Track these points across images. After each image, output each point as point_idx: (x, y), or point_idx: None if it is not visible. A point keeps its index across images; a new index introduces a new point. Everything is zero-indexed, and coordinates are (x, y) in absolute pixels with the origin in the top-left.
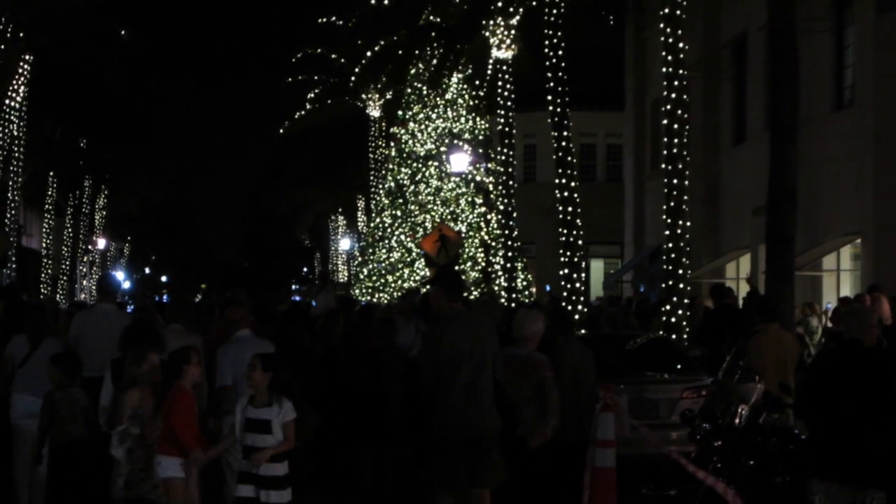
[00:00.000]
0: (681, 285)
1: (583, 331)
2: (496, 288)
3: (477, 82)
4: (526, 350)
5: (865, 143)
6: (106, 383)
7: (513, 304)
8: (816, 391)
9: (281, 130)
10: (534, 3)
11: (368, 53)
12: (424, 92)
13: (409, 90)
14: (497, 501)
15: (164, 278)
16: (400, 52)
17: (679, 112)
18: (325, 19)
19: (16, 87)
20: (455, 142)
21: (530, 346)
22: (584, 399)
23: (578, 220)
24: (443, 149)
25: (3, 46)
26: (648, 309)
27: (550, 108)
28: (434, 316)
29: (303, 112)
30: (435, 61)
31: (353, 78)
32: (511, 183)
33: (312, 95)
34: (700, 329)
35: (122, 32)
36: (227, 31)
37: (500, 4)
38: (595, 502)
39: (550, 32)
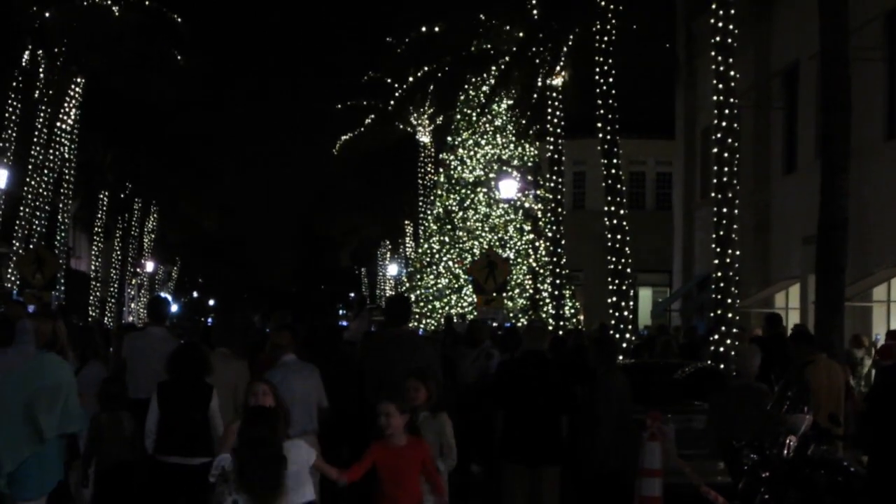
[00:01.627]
0: (729, 315)
1: (632, 359)
2: (544, 315)
3: (526, 110)
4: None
5: None
6: (152, 406)
7: (560, 332)
8: (877, 423)
9: (333, 151)
10: (585, 30)
11: (418, 78)
12: (474, 118)
13: (458, 116)
14: None
15: (211, 302)
16: (450, 78)
17: (729, 140)
18: (378, 44)
19: (67, 109)
20: (504, 168)
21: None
22: (625, 428)
23: (627, 248)
24: (492, 175)
25: (55, 69)
26: (696, 340)
27: (600, 135)
28: (385, 336)
29: (353, 134)
30: (486, 88)
31: (402, 102)
32: (560, 210)
33: (364, 120)
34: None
35: (178, 57)
36: (278, 55)
37: (551, 31)
38: None
39: (601, 59)
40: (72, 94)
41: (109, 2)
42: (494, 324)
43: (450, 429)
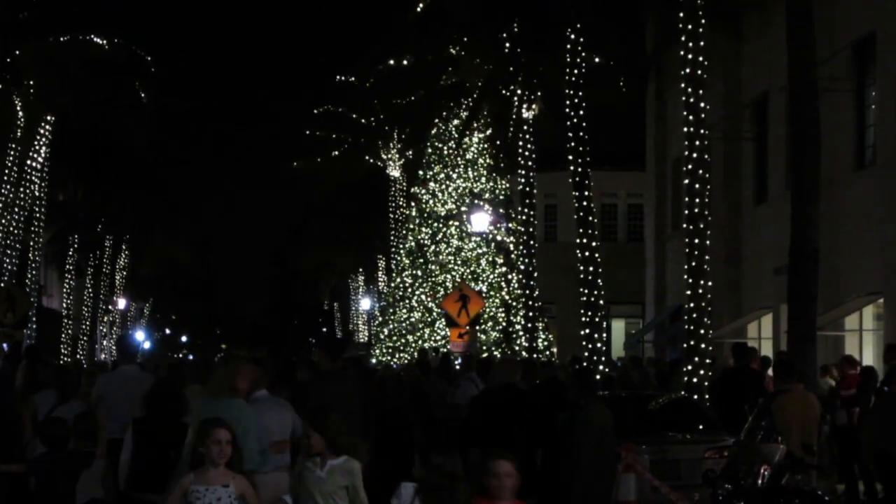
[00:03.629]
0: (702, 345)
1: (605, 392)
2: (517, 347)
3: (498, 142)
4: None
5: (887, 202)
6: (126, 442)
7: (532, 364)
8: None
9: (298, 187)
10: (554, 64)
11: (388, 112)
12: (445, 152)
13: (429, 150)
14: None
15: (184, 338)
16: (420, 111)
17: (700, 172)
18: (343, 78)
19: (37, 147)
20: (476, 201)
21: None
22: (608, 459)
23: (599, 280)
24: (463, 208)
25: (24, 107)
26: (665, 369)
27: (571, 167)
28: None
29: (319, 170)
30: (457, 122)
31: (372, 137)
32: (532, 242)
33: (332, 151)
34: (716, 387)
35: (142, 95)
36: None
37: (521, 64)
38: None
39: (571, 93)
40: (42, 132)
41: (81, 37)
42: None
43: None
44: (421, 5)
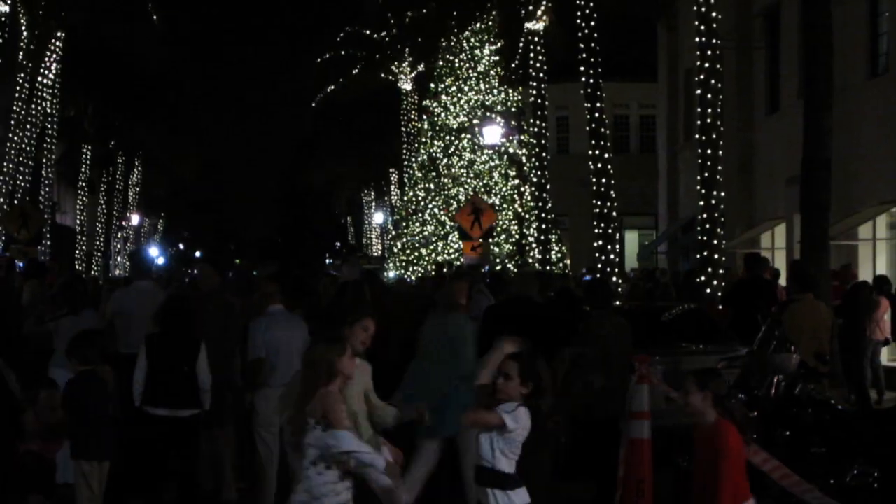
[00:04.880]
0: (716, 256)
1: (618, 303)
2: (530, 260)
3: (509, 54)
4: None
5: None
6: (140, 359)
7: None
8: None
9: (313, 104)
10: None
11: (400, 26)
12: (457, 64)
13: (440, 63)
14: (529, 478)
15: (197, 254)
16: (432, 24)
17: (712, 82)
18: None
19: (48, 64)
20: (487, 114)
21: None
22: (616, 372)
23: (612, 192)
24: (475, 121)
25: (36, 25)
26: (680, 280)
27: (583, 79)
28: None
29: (334, 87)
30: (468, 34)
31: (384, 52)
32: (544, 155)
33: (344, 70)
34: (728, 296)
35: (153, 14)
36: (259, 8)
37: None
38: (630, 475)
39: (582, 3)
40: (52, 48)
41: None
42: (484, 269)
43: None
44: None
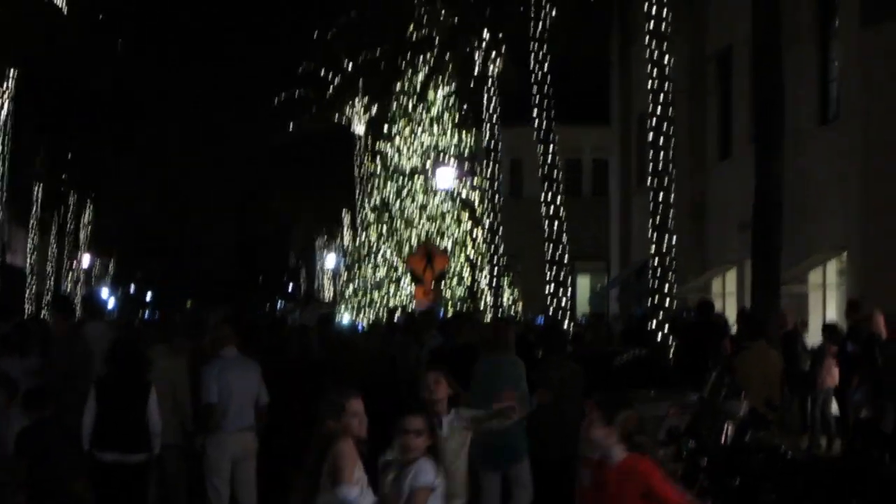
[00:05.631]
0: (667, 301)
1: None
2: (482, 304)
3: (462, 97)
4: None
5: (851, 157)
6: (89, 402)
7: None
8: None
9: (271, 140)
10: (519, 19)
11: (354, 67)
12: (410, 107)
13: (394, 105)
14: None
15: (149, 296)
16: (385, 65)
17: (664, 127)
18: (311, 36)
19: (0, 102)
20: (441, 157)
21: None
22: (569, 416)
23: (564, 236)
24: (428, 164)
25: None
26: (633, 326)
27: (536, 123)
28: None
29: (288, 129)
30: (421, 76)
31: (338, 92)
32: (497, 198)
33: (298, 112)
34: (680, 343)
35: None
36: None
37: (486, 17)
38: None
39: (536, 47)
40: (5, 86)
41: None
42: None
43: None
44: None
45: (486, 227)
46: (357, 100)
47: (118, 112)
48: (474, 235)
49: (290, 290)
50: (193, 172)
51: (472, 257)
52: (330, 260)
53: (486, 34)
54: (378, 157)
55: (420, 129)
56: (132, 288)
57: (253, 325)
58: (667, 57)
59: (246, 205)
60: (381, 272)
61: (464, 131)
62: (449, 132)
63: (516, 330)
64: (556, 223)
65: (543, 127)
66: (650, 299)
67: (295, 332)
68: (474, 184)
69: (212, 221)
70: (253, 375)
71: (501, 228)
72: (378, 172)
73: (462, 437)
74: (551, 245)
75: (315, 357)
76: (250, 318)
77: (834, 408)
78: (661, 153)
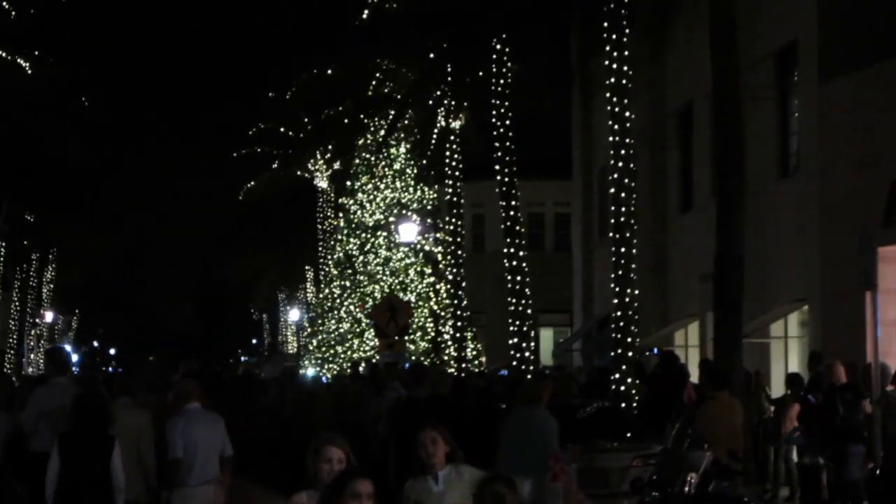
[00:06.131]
0: (630, 353)
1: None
2: (446, 357)
3: (424, 152)
4: None
5: (810, 210)
6: (53, 458)
7: (462, 374)
8: None
9: (239, 197)
10: (480, 75)
11: (316, 123)
12: (373, 161)
13: (357, 161)
14: None
15: (112, 351)
16: (347, 121)
17: (626, 180)
18: (272, 93)
19: None
20: (404, 212)
21: None
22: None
23: (527, 289)
24: (391, 219)
25: None
26: (596, 378)
27: (498, 177)
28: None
29: (251, 184)
30: (382, 131)
31: (300, 149)
32: (460, 252)
33: (261, 166)
34: (644, 397)
35: (83, 100)
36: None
37: (447, 74)
38: None
39: (497, 102)
40: None
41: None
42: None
43: None
44: (364, 13)
45: (450, 280)
46: (319, 155)
47: (79, 174)
48: (437, 288)
49: (253, 343)
50: (155, 230)
51: (435, 310)
52: (293, 314)
53: (447, 90)
54: (341, 212)
55: (383, 183)
56: (95, 343)
57: (217, 379)
58: (627, 112)
59: (208, 261)
60: (345, 325)
61: (426, 186)
62: (412, 187)
63: (480, 384)
64: (518, 276)
65: (506, 181)
66: (613, 351)
67: (259, 384)
68: (437, 237)
69: (174, 278)
70: (217, 428)
71: (464, 282)
72: (341, 227)
73: (462, 492)
74: (514, 298)
75: (281, 409)
76: (214, 372)
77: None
78: (623, 206)
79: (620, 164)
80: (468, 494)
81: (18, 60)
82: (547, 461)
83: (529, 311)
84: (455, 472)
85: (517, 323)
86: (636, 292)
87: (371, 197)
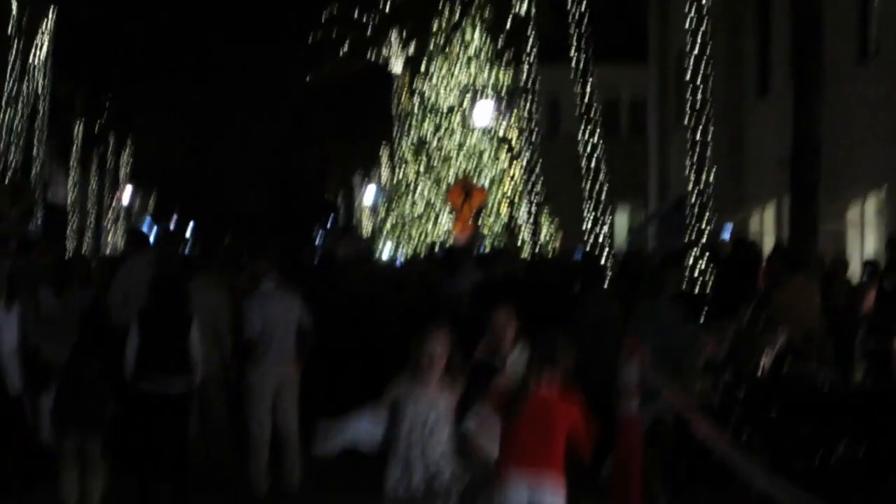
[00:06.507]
0: (704, 237)
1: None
2: (519, 242)
3: (500, 35)
4: None
5: (890, 93)
6: (132, 335)
7: (536, 257)
8: None
9: (312, 82)
10: None
11: (390, 7)
12: (447, 44)
13: (430, 44)
14: None
15: (188, 231)
16: (421, 3)
17: (702, 64)
18: None
19: (40, 42)
20: (478, 95)
21: None
22: (607, 352)
23: (602, 174)
24: (466, 102)
25: (27, 2)
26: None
27: (574, 61)
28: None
29: (324, 69)
30: (457, 13)
31: (375, 32)
32: (535, 136)
33: (334, 52)
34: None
35: None
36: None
37: None
38: (620, 454)
39: None
40: (44, 26)
41: None
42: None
43: None
44: None
45: (524, 164)
46: (394, 38)
47: (154, 54)
48: (512, 173)
49: (328, 226)
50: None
51: (509, 194)
52: (368, 196)
53: None
54: (416, 96)
55: (457, 67)
56: (172, 224)
57: (295, 260)
58: None
59: (284, 141)
60: (419, 208)
61: (501, 70)
62: (486, 70)
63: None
64: (593, 161)
65: (581, 65)
66: (687, 236)
67: (338, 266)
68: (512, 122)
69: (248, 161)
70: (294, 306)
71: (539, 166)
72: (416, 111)
73: None
74: (589, 182)
75: (357, 289)
76: (291, 253)
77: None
78: (699, 91)
79: (697, 47)
80: None
81: None
82: (670, 355)
83: (604, 195)
84: (523, 349)
85: (592, 207)
86: (711, 177)
87: (445, 80)
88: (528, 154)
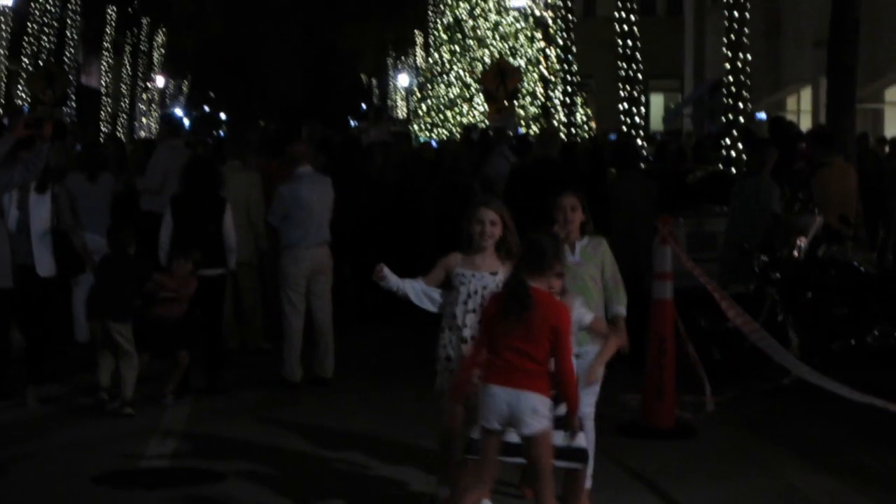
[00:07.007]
0: (741, 118)
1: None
2: (555, 122)
3: None
4: None
5: None
6: (166, 219)
7: (572, 139)
8: None
9: None
10: None
11: None
12: None
13: None
14: None
15: (222, 115)
16: None
17: None
18: None
19: None
20: None
21: None
22: (641, 233)
23: (638, 54)
24: None
25: None
26: (704, 143)
27: None
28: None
29: None
30: None
31: None
32: (570, 17)
33: None
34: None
35: None
36: None
37: None
38: (654, 333)
39: None
40: None
41: None
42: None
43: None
44: None
45: (560, 45)
46: None
47: None
48: (547, 54)
49: (362, 108)
50: None
51: (545, 75)
52: (402, 79)
53: None
54: None
55: None
56: (206, 108)
57: (327, 142)
58: None
59: (317, 20)
60: (454, 91)
61: None
62: None
63: (589, 147)
64: (629, 41)
65: None
66: (724, 117)
67: (362, 149)
68: (547, 2)
69: (282, 38)
70: (329, 190)
71: (574, 47)
72: None
73: (597, 265)
74: (625, 63)
75: (393, 172)
76: (325, 135)
77: None
78: None
79: None
80: (601, 265)
81: None
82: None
83: (640, 76)
84: (591, 243)
85: (627, 88)
86: (748, 57)
87: None
88: (563, 34)
